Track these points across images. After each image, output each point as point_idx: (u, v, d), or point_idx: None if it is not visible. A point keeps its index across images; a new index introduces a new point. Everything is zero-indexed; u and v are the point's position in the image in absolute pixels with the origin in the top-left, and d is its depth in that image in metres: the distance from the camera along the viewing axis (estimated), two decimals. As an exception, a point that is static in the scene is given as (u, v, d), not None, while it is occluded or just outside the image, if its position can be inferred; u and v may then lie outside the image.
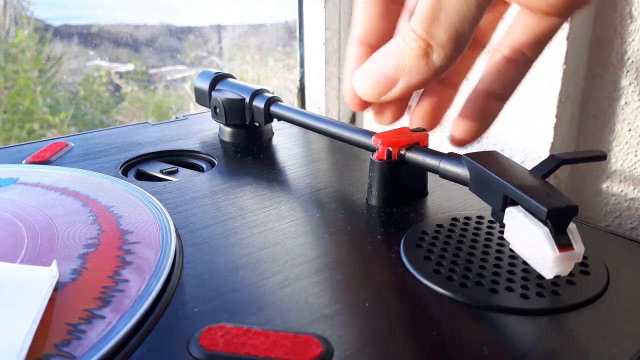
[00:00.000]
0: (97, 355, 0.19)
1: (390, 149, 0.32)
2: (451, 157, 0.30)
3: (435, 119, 0.30)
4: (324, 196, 0.34)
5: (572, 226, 0.22)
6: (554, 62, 0.42)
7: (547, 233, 0.22)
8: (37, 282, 0.23)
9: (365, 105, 0.29)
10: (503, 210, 0.25)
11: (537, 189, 0.23)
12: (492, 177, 0.25)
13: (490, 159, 0.27)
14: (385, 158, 0.32)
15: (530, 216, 0.23)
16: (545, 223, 0.22)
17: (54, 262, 0.24)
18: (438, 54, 0.23)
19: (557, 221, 0.22)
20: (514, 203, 0.24)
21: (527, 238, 0.23)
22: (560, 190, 0.23)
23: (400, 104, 0.29)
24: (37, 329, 0.20)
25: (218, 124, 0.47)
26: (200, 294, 0.24)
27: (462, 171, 0.28)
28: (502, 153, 0.28)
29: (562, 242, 0.22)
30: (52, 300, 0.22)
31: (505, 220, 0.25)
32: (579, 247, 0.22)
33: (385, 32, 0.28)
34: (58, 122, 0.67)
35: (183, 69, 0.76)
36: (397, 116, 0.30)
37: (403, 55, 0.24)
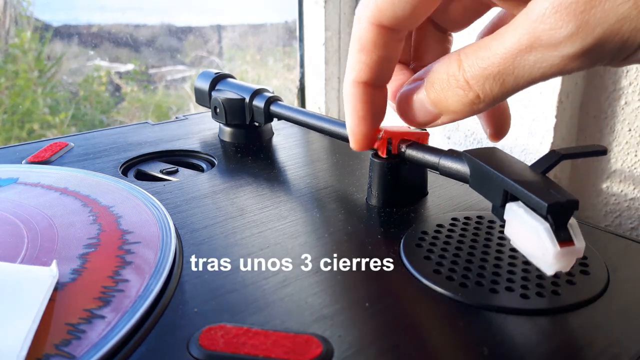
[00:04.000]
0: (97, 355, 0.19)
1: (391, 139, 0.32)
2: (451, 154, 0.30)
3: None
4: (324, 196, 0.34)
5: (572, 221, 0.22)
6: (554, 62, 0.42)
7: (547, 228, 0.22)
8: (37, 282, 0.23)
9: (372, 144, 0.29)
10: (503, 206, 0.25)
11: (537, 184, 0.23)
12: (492, 173, 0.25)
13: (490, 155, 0.27)
14: (385, 147, 0.32)
15: (531, 211, 0.23)
16: (545, 218, 0.22)
17: (54, 262, 0.24)
18: (485, 104, 0.22)
19: (558, 216, 0.22)
20: (514, 199, 0.24)
21: (528, 234, 0.23)
22: (560, 185, 0.23)
23: None
24: (37, 329, 0.20)
25: (218, 124, 0.47)
26: (200, 294, 0.24)
27: (462, 168, 0.28)
28: (502, 153, 0.28)
29: (563, 237, 0.22)
30: (52, 300, 0.22)
31: (505, 216, 0.25)
32: (579, 243, 0.22)
33: (386, 70, 0.26)
34: (58, 122, 0.67)
35: (183, 69, 0.76)
36: None
37: (447, 98, 0.23)
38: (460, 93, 0.23)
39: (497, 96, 0.22)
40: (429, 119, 0.25)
